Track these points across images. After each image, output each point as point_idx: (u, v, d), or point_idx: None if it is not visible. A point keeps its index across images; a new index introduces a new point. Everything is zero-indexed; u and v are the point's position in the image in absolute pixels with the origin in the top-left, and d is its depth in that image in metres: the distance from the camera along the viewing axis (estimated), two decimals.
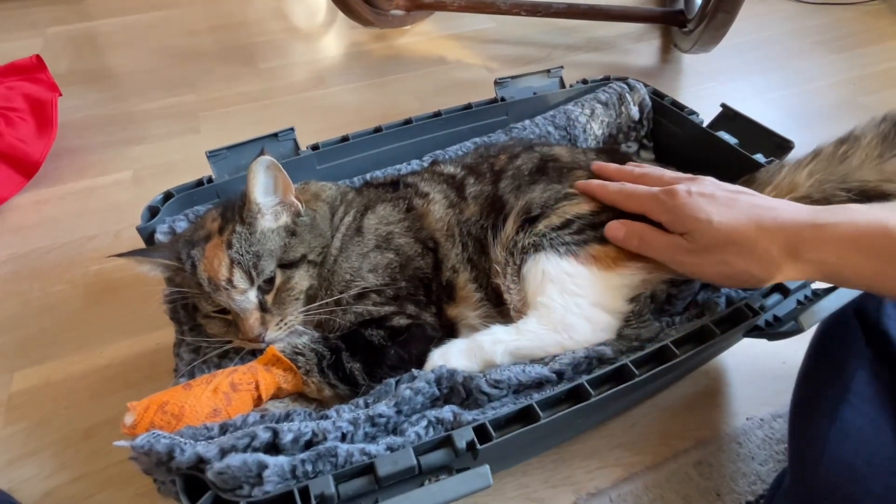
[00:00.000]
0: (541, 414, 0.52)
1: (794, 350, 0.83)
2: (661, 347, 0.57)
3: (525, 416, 0.53)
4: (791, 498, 0.61)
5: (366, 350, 0.62)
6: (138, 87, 1.54)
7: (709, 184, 0.61)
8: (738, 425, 0.77)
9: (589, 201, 0.70)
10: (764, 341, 0.73)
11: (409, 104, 1.43)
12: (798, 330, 0.60)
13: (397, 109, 1.40)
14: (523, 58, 1.61)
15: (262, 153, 0.63)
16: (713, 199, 0.58)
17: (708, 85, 1.47)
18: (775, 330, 0.62)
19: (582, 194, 0.70)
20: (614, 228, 0.65)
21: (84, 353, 0.88)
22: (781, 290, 0.63)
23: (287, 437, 0.49)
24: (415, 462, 0.48)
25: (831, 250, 0.50)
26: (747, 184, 0.74)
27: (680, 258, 0.59)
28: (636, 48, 1.64)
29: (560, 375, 0.59)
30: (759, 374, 0.83)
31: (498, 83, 0.97)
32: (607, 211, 0.69)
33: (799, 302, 0.64)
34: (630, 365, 0.55)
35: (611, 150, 0.91)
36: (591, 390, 0.53)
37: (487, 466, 0.46)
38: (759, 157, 0.80)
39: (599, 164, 0.75)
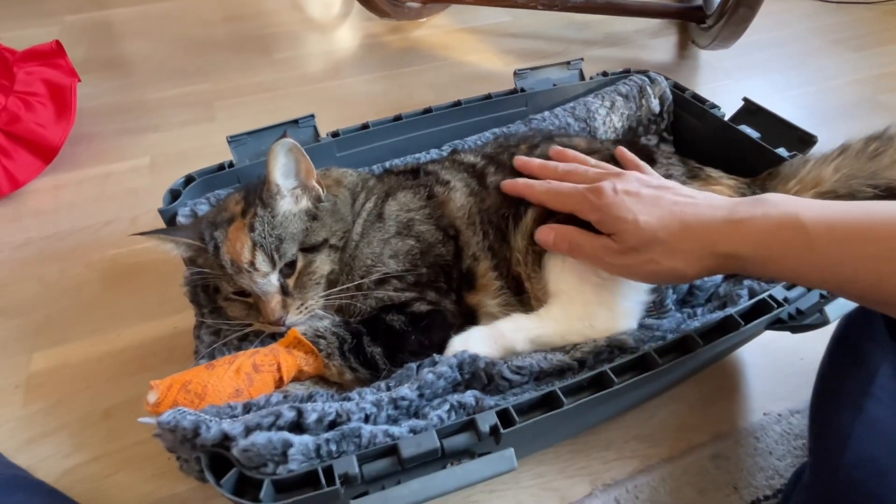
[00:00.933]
0: (564, 400, 0.51)
1: (812, 346, 0.82)
2: (684, 337, 0.57)
3: (548, 402, 0.53)
4: (812, 493, 0.60)
5: (387, 335, 0.62)
6: (154, 75, 1.55)
7: (633, 180, 0.60)
8: (756, 420, 0.77)
9: None
10: (781, 337, 0.73)
11: (425, 96, 1.43)
12: (823, 322, 0.60)
13: (413, 101, 1.40)
14: (539, 52, 1.61)
15: (283, 136, 0.63)
16: (638, 197, 0.57)
17: (725, 82, 1.46)
18: (799, 322, 0.61)
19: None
20: (544, 233, 0.64)
21: (102, 335, 0.89)
22: None
23: (311, 417, 0.49)
24: (438, 444, 0.48)
25: (747, 245, 0.50)
26: (771, 178, 0.74)
27: (609, 259, 0.59)
28: (653, 44, 1.63)
29: (581, 363, 0.59)
30: (777, 369, 0.83)
31: (517, 74, 0.97)
32: None
33: (822, 295, 0.64)
34: (653, 353, 0.55)
35: (630, 142, 0.91)
36: (614, 378, 0.53)
37: (512, 450, 0.46)
38: (782, 152, 0.79)
39: (522, 160, 0.73)
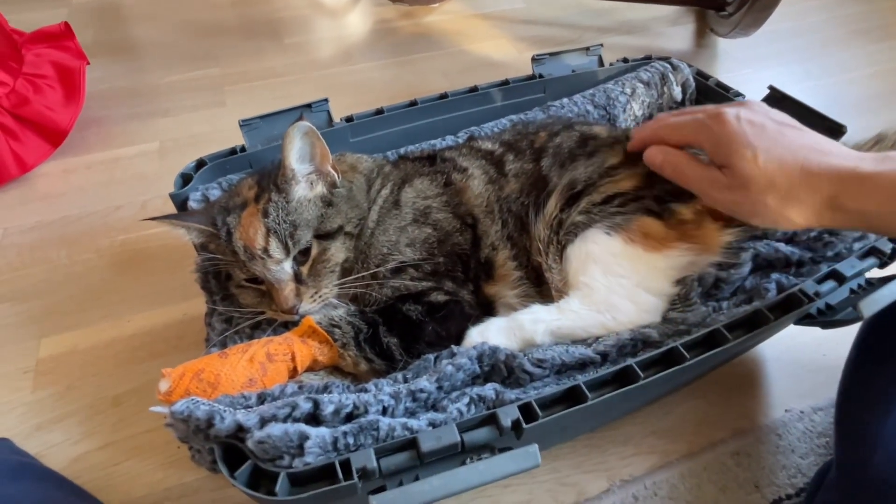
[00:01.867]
0: (588, 395, 0.50)
1: (835, 342, 0.81)
2: (711, 331, 0.55)
3: (571, 396, 0.51)
4: (839, 492, 0.59)
5: (403, 325, 0.61)
6: (163, 59, 1.53)
7: (758, 110, 0.56)
8: (777, 417, 0.75)
9: (631, 178, 0.68)
10: (802, 332, 0.71)
11: (437, 82, 1.41)
12: (856, 318, 0.57)
13: (425, 87, 1.37)
14: (553, 39, 1.58)
15: (300, 119, 0.61)
16: (762, 129, 0.53)
17: (744, 71, 1.42)
18: (829, 318, 0.59)
19: (624, 166, 0.68)
20: (652, 154, 0.62)
21: (111, 321, 0.88)
22: (836, 276, 0.61)
23: (328, 409, 0.48)
24: (458, 439, 0.47)
25: (874, 202, 0.48)
26: None
27: (715, 194, 0.56)
28: (670, 32, 1.60)
29: (604, 357, 0.57)
30: (799, 365, 0.81)
31: (535, 59, 0.95)
32: (650, 187, 0.66)
33: (852, 290, 0.62)
34: (680, 348, 0.53)
35: None
36: (640, 372, 0.51)
37: (536, 446, 0.44)
38: None
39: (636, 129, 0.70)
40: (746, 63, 1.45)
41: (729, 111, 0.55)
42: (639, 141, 0.67)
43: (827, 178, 0.50)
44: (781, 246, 0.64)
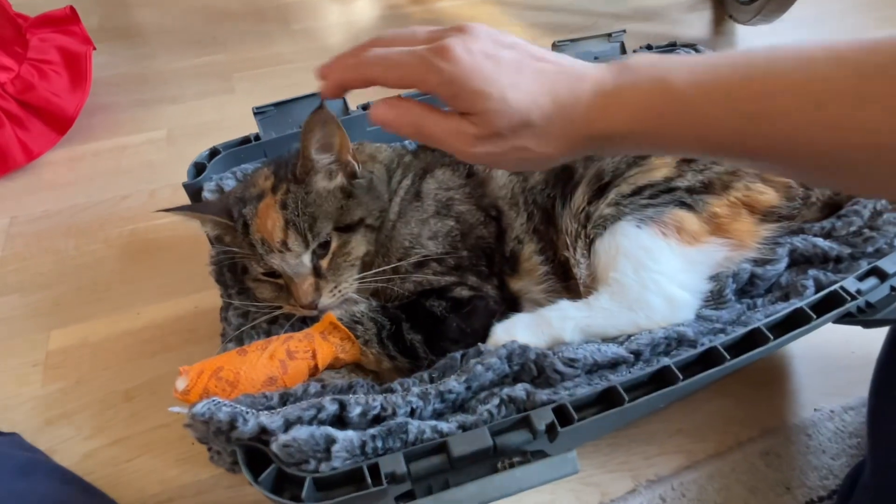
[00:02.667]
0: (625, 396, 0.48)
1: (864, 338, 0.78)
2: (752, 331, 0.52)
3: (606, 398, 0.49)
4: (873, 495, 0.57)
5: (427, 321, 0.59)
6: (169, 45, 1.50)
7: (484, 36, 0.44)
8: (807, 416, 0.73)
9: (661, 167, 0.65)
10: (830, 327, 0.69)
11: None
12: None
13: None
14: (567, 26, 1.54)
15: (321, 107, 0.58)
16: (498, 62, 0.43)
17: None
18: (870, 317, 0.57)
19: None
20: (379, 110, 0.46)
21: (121, 314, 0.86)
22: (878, 273, 0.58)
23: (355, 411, 0.46)
24: (491, 443, 0.45)
25: (620, 122, 0.42)
26: None
27: (466, 148, 0.45)
28: (686, 18, 1.56)
29: (637, 355, 0.55)
30: (827, 363, 0.79)
31: (556, 46, 0.92)
32: (682, 177, 0.64)
33: (893, 288, 0.59)
34: (720, 348, 0.51)
35: None
36: (678, 374, 0.49)
37: (574, 452, 0.42)
38: None
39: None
40: None
41: (453, 42, 0.42)
42: (337, 83, 0.48)
43: (576, 104, 0.43)
44: (819, 241, 0.62)
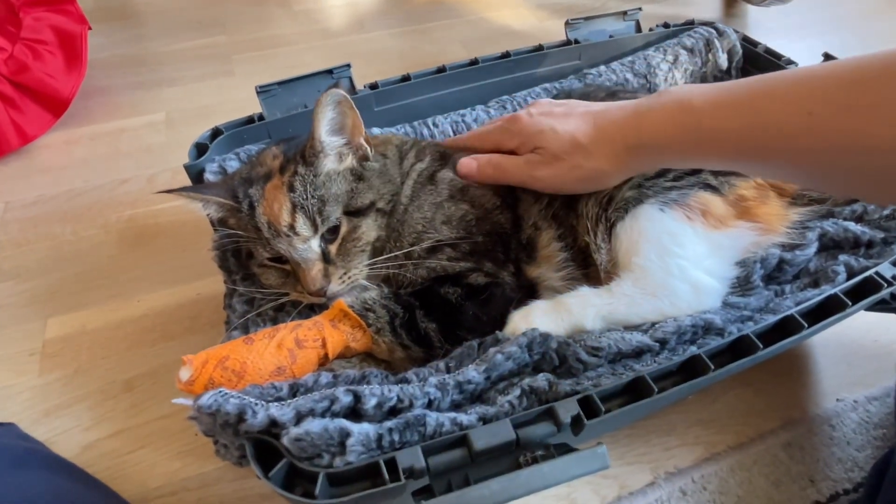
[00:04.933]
0: (654, 387, 0.45)
1: (885, 326, 0.77)
2: (784, 318, 0.50)
3: (633, 388, 0.46)
4: None
5: (442, 309, 0.56)
6: (167, 26, 1.46)
7: (545, 103, 0.65)
8: (829, 407, 0.71)
9: None
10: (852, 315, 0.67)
11: (456, 52, 1.34)
12: None
13: (444, 57, 1.29)
14: (574, 7, 1.50)
15: (334, 86, 0.55)
16: (551, 114, 0.61)
17: (778, 42, 1.33)
18: None
19: None
20: (466, 164, 0.65)
21: (120, 301, 0.83)
22: None
23: (370, 402, 0.43)
24: (514, 436, 0.42)
25: (649, 134, 0.53)
26: None
27: (536, 173, 0.61)
28: (699, 0, 1.52)
29: (663, 344, 0.52)
30: (850, 351, 0.77)
31: (569, 24, 0.88)
32: None
33: None
34: (752, 336, 0.48)
35: None
36: (709, 363, 0.47)
37: (605, 447, 0.40)
38: None
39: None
40: (780, 34, 1.38)
41: (520, 112, 0.65)
42: (453, 145, 0.73)
43: (614, 126, 0.57)
44: (851, 225, 0.59)
